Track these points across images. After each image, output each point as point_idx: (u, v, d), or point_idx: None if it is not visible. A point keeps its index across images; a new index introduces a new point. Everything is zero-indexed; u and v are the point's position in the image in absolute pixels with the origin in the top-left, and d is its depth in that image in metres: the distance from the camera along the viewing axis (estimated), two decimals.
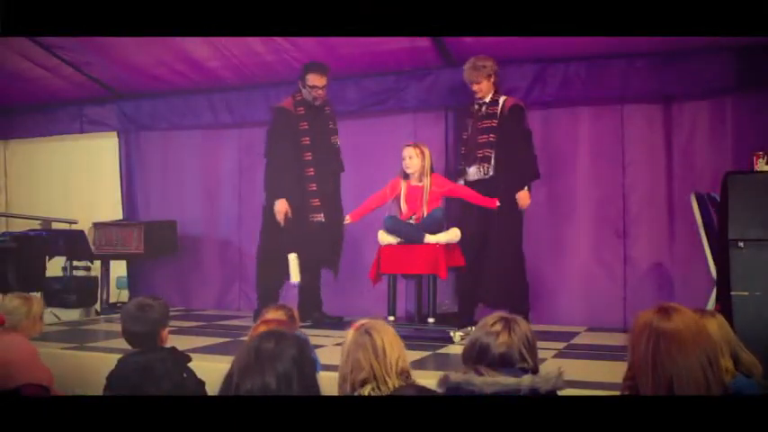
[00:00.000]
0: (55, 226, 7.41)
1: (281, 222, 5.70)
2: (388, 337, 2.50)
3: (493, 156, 5.39)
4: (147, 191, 7.73)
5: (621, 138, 5.93)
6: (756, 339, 3.79)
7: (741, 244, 4.06)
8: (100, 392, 3.03)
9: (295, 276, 5.55)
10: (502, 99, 5.49)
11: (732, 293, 4.05)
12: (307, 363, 2.01)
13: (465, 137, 5.61)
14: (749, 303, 4.01)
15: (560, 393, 2.21)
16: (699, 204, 4.96)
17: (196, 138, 7.47)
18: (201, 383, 3.09)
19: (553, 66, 5.95)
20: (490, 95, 5.49)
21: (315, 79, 5.70)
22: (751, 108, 5.59)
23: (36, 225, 7.35)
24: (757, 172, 4.28)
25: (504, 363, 2.23)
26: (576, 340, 5.10)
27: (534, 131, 5.58)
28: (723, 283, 4.19)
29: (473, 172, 5.46)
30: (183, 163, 7.54)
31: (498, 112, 5.44)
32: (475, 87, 5.47)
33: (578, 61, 5.87)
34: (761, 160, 4.31)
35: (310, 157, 5.71)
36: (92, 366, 3.90)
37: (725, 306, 4.11)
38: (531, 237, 6.04)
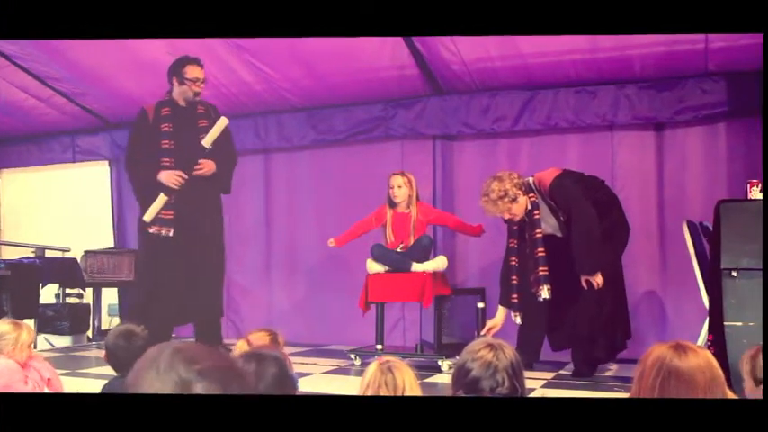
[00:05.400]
0: (48, 254, 7.42)
1: None
2: (409, 379, 2.51)
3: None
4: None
5: (612, 165, 5.85)
6: None
7: (734, 273, 3.97)
8: None
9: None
10: (531, 196, 4.84)
11: (725, 323, 3.96)
12: (287, 380, 2.10)
13: (515, 257, 4.94)
14: (742, 333, 3.92)
15: (560, 394, 2.18)
16: (691, 233, 4.87)
17: None
18: None
19: (542, 93, 5.89)
20: (527, 206, 4.83)
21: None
22: (743, 135, 5.52)
23: (29, 253, 7.37)
24: (750, 200, 4.19)
25: (487, 387, 2.22)
26: (565, 370, 5.01)
27: (523, 159, 5.51)
28: (716, 313, 4.11)
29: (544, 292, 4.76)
30: None
31: (540, 211, 4.83)
32: (507, 216, 4.83)
33: (567, 88, 5.81)
34: (754, 188, 4.22)
35: None
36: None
37: (717, 336, 4.03)
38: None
